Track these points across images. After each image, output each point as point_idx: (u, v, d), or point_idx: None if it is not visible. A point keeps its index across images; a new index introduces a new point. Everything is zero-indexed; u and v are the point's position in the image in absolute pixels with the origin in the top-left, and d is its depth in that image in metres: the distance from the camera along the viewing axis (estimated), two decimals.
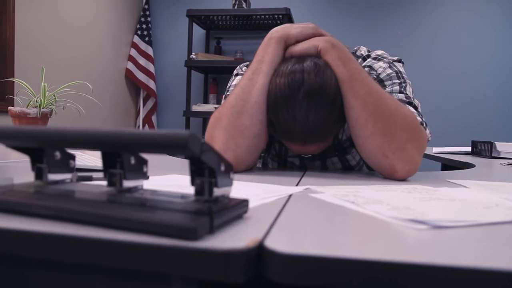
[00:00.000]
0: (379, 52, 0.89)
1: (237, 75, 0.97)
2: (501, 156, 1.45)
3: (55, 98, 1.52)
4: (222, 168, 0.37)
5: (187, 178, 0.66)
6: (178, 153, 0.34)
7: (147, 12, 3.57)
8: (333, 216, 0.43)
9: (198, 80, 3.50)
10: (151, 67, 3.54)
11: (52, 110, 1.51)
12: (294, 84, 0.69)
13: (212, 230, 0.32)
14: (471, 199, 0.52)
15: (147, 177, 0.43)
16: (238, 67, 1.00)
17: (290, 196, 0.52)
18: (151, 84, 3.54)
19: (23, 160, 0.87)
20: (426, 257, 0.29)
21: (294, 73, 0.69)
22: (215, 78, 3.54)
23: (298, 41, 0.76)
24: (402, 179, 0.72)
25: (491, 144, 1.49)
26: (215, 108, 3.37)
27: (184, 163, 1.05)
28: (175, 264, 0.30)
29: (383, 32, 3.25)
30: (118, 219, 0.33)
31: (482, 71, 3.14)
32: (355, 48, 0.90)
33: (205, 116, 3.41)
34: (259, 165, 1.03)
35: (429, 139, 0.76)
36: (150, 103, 3.62)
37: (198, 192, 0.38)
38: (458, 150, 1.73)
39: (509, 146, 1.45)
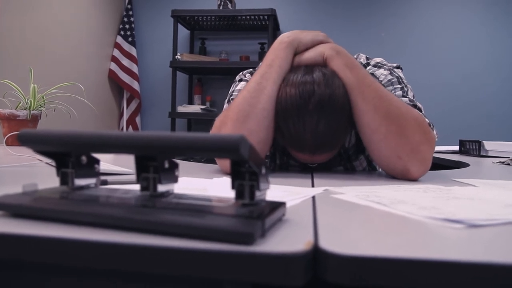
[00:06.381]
0: (378, 59, 0.91)
1: (240, 80, 0.96)
2: (489, 155, 1.49)
3: (43, 100, 1.48)
4: (263, 171, 0.37)
5: (197, 181, 0.66)
6: (227, 156, 0.33)
7: (130, 12, 3.52)
8: (367, 216, 0.44)
9: (182, 81, 3.47)
10: (134, 68, 3.49)
11: (41, 112, 1.47)
12: (305, 94, 0.69)
13: (264, 233, 0.32)
14: (488, 198, 0.54)
15: (177, 181, 0.42)
16: (241, 73, 0.98)
17: (313, 197, 0.53)
18: (135, 85, 3.49)
19: (19, 165, 0.84)
20: (480, 255, 0.30)
21: (305, 84, 0.70)
22: (200, 79, 3.52)
23: (307, 48, 0.77)
24: (414, 180, 0.73)
25: (479, 143, 1.53)
26: (201, 109, 3.25)
27: (182, 164, 1.04)
28: (231, 269, 0.30)
29: (367, 32, 3.29)
30: (168, 225, 0.32)
31: (466, 74, 3.21)
32: (354, 56, 0.91)
33: (191, 117, 3.39)
34: None
35: (436, 139, 0.78)
36: (134, 104, 3.56)
37: (239, 195, 0.37)
38: (445, 149, 1.77)
39: (497, 145, 1.49)
